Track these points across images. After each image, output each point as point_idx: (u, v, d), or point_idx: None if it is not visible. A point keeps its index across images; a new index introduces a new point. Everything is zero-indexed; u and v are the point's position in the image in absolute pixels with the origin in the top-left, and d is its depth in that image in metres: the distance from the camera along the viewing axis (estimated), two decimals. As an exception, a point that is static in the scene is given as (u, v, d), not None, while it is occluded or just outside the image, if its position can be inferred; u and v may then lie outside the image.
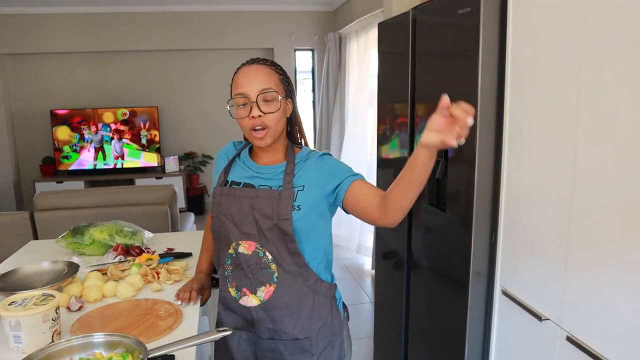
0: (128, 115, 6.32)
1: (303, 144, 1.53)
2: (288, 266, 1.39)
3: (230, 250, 1.44)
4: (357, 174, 1.40)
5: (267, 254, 1.39)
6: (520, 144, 1.62)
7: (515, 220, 1.66)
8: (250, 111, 1.36)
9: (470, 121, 1.04)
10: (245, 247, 1.41)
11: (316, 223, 1.41)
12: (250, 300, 1.43)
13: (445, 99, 1.05)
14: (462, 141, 1.06)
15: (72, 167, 6.33)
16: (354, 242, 4.97)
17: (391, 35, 2.46)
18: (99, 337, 1.23)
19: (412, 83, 2.20)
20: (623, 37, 1.18)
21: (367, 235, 4.92)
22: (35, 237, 3.33)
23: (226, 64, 6.68)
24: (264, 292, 1.41)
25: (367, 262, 4.81)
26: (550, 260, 1.48)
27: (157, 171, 6.48)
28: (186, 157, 6.75)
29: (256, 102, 1.35)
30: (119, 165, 6.43)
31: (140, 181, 6.25)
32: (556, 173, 1.44)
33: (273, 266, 1.39)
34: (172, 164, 6.42)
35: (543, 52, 1.49)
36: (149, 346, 1.18)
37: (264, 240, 1.38)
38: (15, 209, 6.26)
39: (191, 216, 4.33)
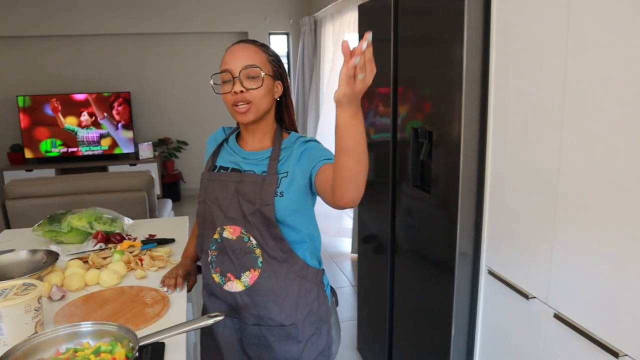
0: (99, 101, 6.16)
1: (291, 132, 1.51)
2: (272, 251, 1.38)
3: (216, 235, 1.43)
4: (332, 158, 1.35)
5: (252, 238, 1.38)
6: (505, 126, 1.62)
7: (500, 201, 1.67)
8: (233, 86, 1.35)
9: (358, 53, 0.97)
10: (230, 232, 1.40)
11: (300, 209, 1.40)
12: (234, 286, 1.42)
13: (343, 46, 0.98)
14: (361, 76, 1.00)
15: (42, 155, 6.16)
16: (332, 225, 4.97)
17: (372, 18, 2.43)
18: (86, 327, 1.19)
19: (395, 66, 2.19)
20: (608, 19, 1.18)
21: (344, 217, 4.92)
22: (8, 227, 3.23)
23: (200, 48, 6.57)
24: (249, 277, 1.40)
25: (346, 244, 4.83)
26: (536, 240, 1.50)
27: (131, 158, 6.36)
28: (160, 143, 6.64)
29: (239, 77, 1.35)
30: (91, 152, 6.28)
31: (113, 168, 6.13)
32: (542, 154, 1.45)
33: (257, 251, 1.38)
34: (146, 151, 6.31)
35: (528, 35, 1.49)
36: (138, 334, 1.15)
37: (247, 225, 1.38)
38: (-18, 198, 6.08)
39: (169, 202, 4.27)
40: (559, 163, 1.38)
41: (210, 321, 1.23)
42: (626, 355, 1.20)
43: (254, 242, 1.38)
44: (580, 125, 1.30)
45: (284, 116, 1.52)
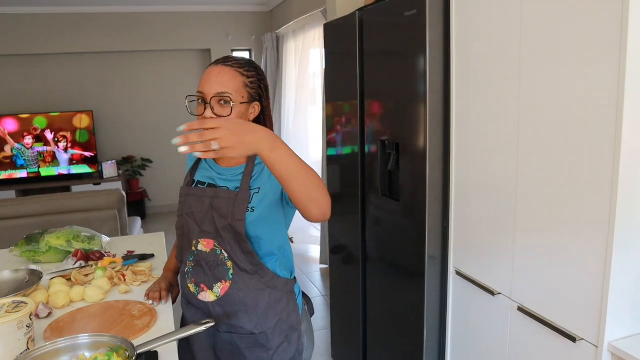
0: (62, 120, 6.09)
1: None
2: (243, 264, 1.44)
3: (193, 248, 1.49)
4: None
5: (224, 251, 1.44)
6: (467, 136, 1.75)
7: (465, 206, 1.80)
8: (205, 110, 1.37)
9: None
10: (204, 245, 1.46)
11: (271, 224, 1.45)
12: (207, 296, 1.48)
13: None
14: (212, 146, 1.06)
15: (1, 177, 6.04)
16: (300, 232, 5.05)
17: (338, 36, 2.55)
18: (83, 339, 1.23)
19: (361, 81, 2.30)
20: (559, 35, 1.33)
21: (310, 228, 5.00)
22: (-25, 250, 3.19)
23: (163, 66, 6.59)
24: (220, 288, 1.46)
25: (313, 250, 4.91)
26: (499, 241, 1.63)
27: (94, 177, 6.29)
28: (124, 162, 6.59)
29: (209, 103, 1.36)
30: (53, 173, 6.19)
31: (76, 188, 6.04)
32: (501, 162, 1.59)
33: (229, 263, 1.44)
34: (110, 169, 6.26)
35: (485, 50, 1.63)
36: (133, 344, 1.21)
37: (220, 239, 1.43)
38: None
39: (138, 220, 4.27)
40: (516, 170, 1.52)
41: (202, 328, 1.29)
42: (582, 339, 1.33)
43: (226, 255, 1.44)
44: (536, 136, 1.43)
45: None
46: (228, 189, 1.44)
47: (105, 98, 6.46)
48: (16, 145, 6.02)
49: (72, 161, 6.24)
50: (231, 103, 1.37)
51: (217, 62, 1.43)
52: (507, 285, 1.61)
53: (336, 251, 2.80)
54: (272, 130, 1.55)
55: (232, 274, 1.44)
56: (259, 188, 1.42)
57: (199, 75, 6.72)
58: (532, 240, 1.48)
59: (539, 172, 1.43)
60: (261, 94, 1.47)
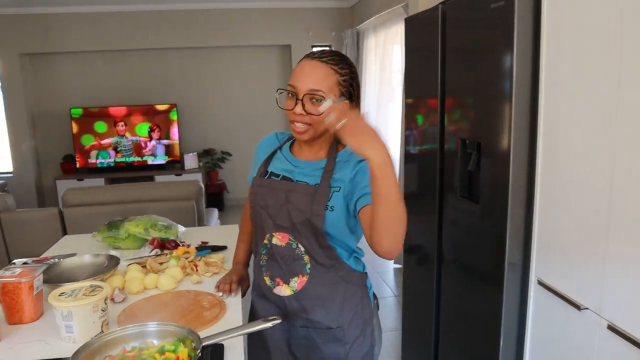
0: (147, 113, 6.37)
1: None
2: (320, 258, 1.41)
3: (265, 241, 1.47)
4: None
5: (300, 246, 1.41)
6: (556, 136, 1.63)
7: (551, 211, 1.67)
8: (295, 105, 1.35)
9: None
10: (279, 239, 1.43)
11: (348, 223, 1.41)
12: (283, 290, 1.46)
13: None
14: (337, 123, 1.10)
15: (92, 165, 6.40)
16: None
17: (419, 30, 2.47)
18: (152, 327, 1.25)
19: (442, 77, 2.21)
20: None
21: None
22: (64, 233, 3.38)
23: (244, 61, 6.73)
24: (297, 283, 1.44)
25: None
26: (589, 250, 1.49)
27: (177, 168, 6.54)
28: (205, 154, 6.80)
29: (302, 99, 1.33)
30: (138, 163, 6.49)
31: (159, 178, 6.31)
32: (594, 166, 1.45)
33: (306, 258, 1.41)
34: (191, 161, 6.47)
35: (579, 44, 1.50)
36: (199, 335, 1.21)
37: (296, 233, 1.40)
38: (36, 206, 6.35)
39: (215, 212, 4.38)
40: (612, 172, 1.38)
41: (269, 324, 1.27)
42: (685, 367, 1.19)
43: (302, 249, 1.41)
44: (636, 136, 1.30)
45: None
46: (307, 184, 1.41)
47: (188, 92, 6.69)
48: (108, 134, 6.35)
49: (156, 152, 6.50)
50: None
51: (312, 56, 1.38)
52: (595, 299, 1.47)
53: (411, 251, 2.72)
54: None
55: (309, 268, 1.42)
56: (340, 187, 1.38)
57: (279, 70, 6.85)
58: (628, 250, 1.34)
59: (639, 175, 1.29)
60: (352, 92, 1.42)
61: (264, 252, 1.49)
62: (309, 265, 1.42)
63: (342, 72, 1.37)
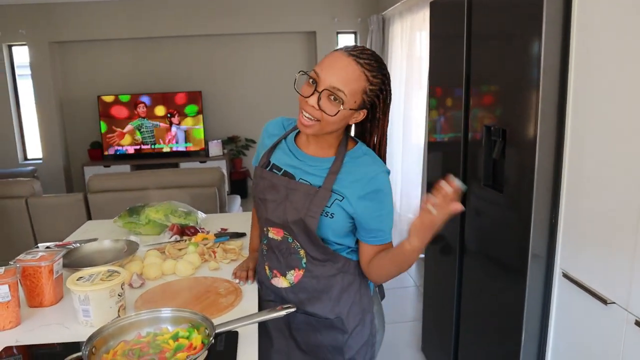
0: (172, 100, 6.41)
1: (360, 141, 1.42)
2: (315, 254, 1.39)
3: (265, 232, 1.46)
4: (381, 237, 1.36)
5: (295, 241, 1.39)
6: (585, 124, 1.57)
7: (578, 201, 1.62)
8: (311, 95, 1.25)
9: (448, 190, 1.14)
10: (274, 233, 1.42)
11: (346, 230, 1.38)
12: (280, 282, 1.45)
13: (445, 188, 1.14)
14: (433, 211, 1.16)
15: (118, 151, 6.48)
16: (396, 223, 4.92)
17: (444, 15, 2.40)
18: (166, 312, 1.25)
19: (467, 63, 2.15)
20: None
21: (408, 209, 4.85)
22: (89, 218, 3.43)
23: (268, 48, 6.70)
24: (294, 276, 1.43)
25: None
26: (617, 243, 1.44)
27: (201, 155, 6.57)
28: (229, 142, 6.81)
29: (320, 93, 1.24)
30: (164, 150, 6.54)
31: (184, 165, 6.35)
32: (625, 156, 1.39)
33: (302, 252, 1.39)
34: (215, 148, 6.49)
35: (613, 29, 1.43)
36: (213, 322, 1.20)
37: (290, 231, 1.38)
38: (65, 192, 6.47)
39: (237, 199, 4.39)
40: (643, 163, 1.32)
41: (283, 312, 1.26)
42: None
43: (298, 244, 1.39)
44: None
45: (365, 138, 1.42)
46: (310, 184, 1.35)
47: (212, 79, 6.69)
48: (133, 121, 6.42)
49: (181, 139, 6.54)
50: (341, 106, 1.25)
51: (349, 51, 1.26)
52: (623, 294, 1.42)
53: (433, 241, 2.65)
54: (382, 143, 1.42)
55: (305, 263, 1.40)
56: (344, 197, 1.32)
57: (304, 57, 6.81)
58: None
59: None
60: (376, 103, 1.33)
61: (265, 242, 1.48)
62: (304, 260, 1.40)
63: (373, 80, 1.27)
